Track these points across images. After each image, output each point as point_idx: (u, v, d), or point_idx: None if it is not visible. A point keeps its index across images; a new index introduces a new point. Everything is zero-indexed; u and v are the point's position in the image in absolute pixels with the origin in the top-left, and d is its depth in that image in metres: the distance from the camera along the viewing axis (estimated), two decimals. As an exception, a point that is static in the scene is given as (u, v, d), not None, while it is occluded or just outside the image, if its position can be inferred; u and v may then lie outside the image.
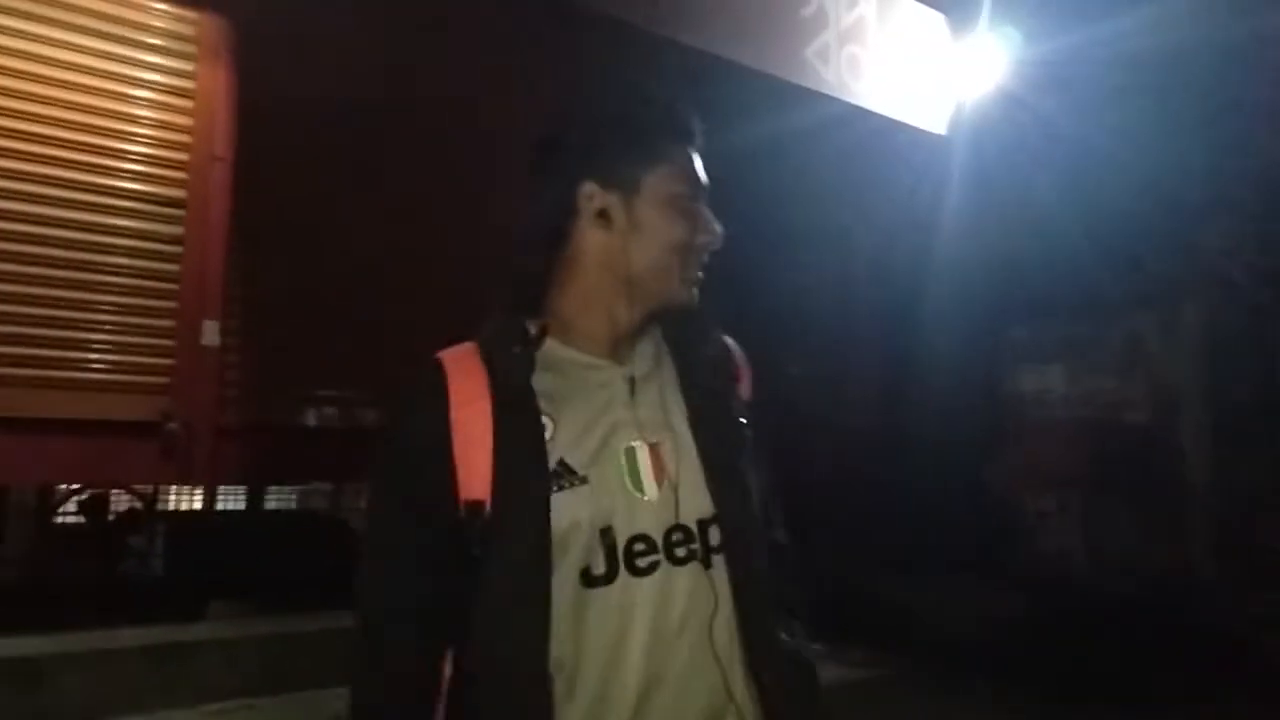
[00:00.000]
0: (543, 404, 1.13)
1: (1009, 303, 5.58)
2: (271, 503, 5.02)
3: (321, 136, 3.33)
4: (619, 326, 1.19)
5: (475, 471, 1.07)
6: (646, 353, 1.23)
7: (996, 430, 5.59)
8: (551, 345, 1.19)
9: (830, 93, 4.38)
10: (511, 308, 1.21)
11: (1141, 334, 5.38)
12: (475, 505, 1.06)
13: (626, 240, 1.15)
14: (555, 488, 1.08)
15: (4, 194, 2.84)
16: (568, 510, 1.08)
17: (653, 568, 1.10)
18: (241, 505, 4.58)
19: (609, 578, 1.09)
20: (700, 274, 1.20)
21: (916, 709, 3.97)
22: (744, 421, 1.24)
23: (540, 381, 1.14)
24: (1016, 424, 5.66)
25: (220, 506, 4.82)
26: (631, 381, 1.18)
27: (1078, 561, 4.74)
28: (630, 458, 1.13)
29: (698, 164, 1.19)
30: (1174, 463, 5.22)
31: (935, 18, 4.89)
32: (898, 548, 4.98)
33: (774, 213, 5.23)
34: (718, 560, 1.13)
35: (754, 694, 1.12)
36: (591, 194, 1.16)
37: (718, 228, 1.19)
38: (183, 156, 3.09)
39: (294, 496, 5.54)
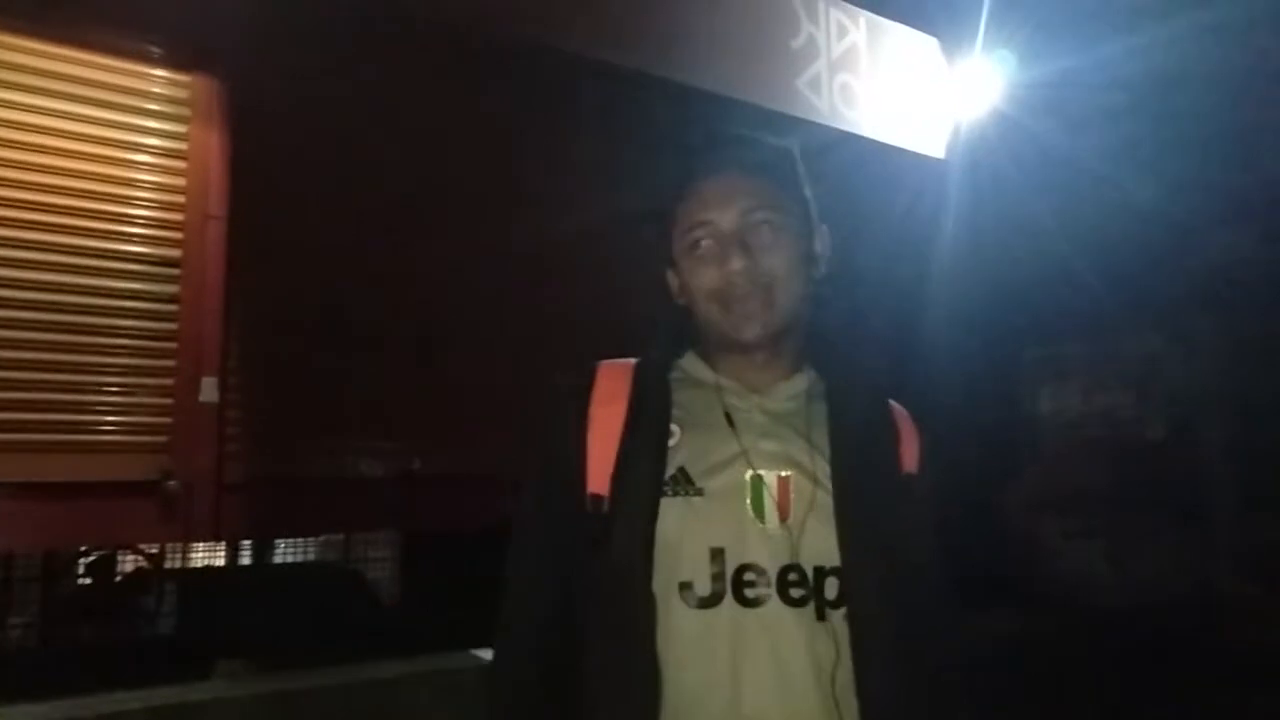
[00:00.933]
0: (677, 414, 1.18)
1: (1016, 325, 5.54)
2: (286, 555, 5.01)
3: (316, 192, 3.36)
4: (734, 361, 1.24)
5: (601, 465, 1.12)
6: (796, 390, 1.25)
7: (1009, 452, 5.52)
8: (697, 367, 1.27)
9: (823, 121, 4.38)
10: (667, 333, 1.31)
11: (1155, 351, 5.31)
12: (597, 499, 1.12)
13: (689, 303, 1.24)
14: (669, 492, 1.11)
15: (0, 261, 2.86)
16: (676, 517, 1.10)
17: (763, 600, 1.08)
18: (254, 559, 4.57)
19: (713, 600, 1.08)
20: (748, 302, 1.18)
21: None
22: (900, 484, 1.24)
23: (682, 397, 1.21)
24: (1029, 446, 5.59)
25: (236, 562, 4.81)
26: (771, 414, 1.21)
27: (1098, 582, 4.64)
28: (756, 485, 1.14)
29: (718, 202, 1.20)
30: (1193, 479, 5.13)
31: (928, 42, 4.89)
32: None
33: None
34: (834, 615, 1.10)
35: None
36: (670, 279, 1.29)
37: (734, 255, 1.18)
38: (178, 216, 3.11)
39: (307, 548, 5.54)
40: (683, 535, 1.09)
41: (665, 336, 1.30)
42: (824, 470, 1.16)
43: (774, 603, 1.09)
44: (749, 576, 1.09)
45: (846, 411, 1.22)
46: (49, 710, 2.80)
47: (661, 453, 1.13)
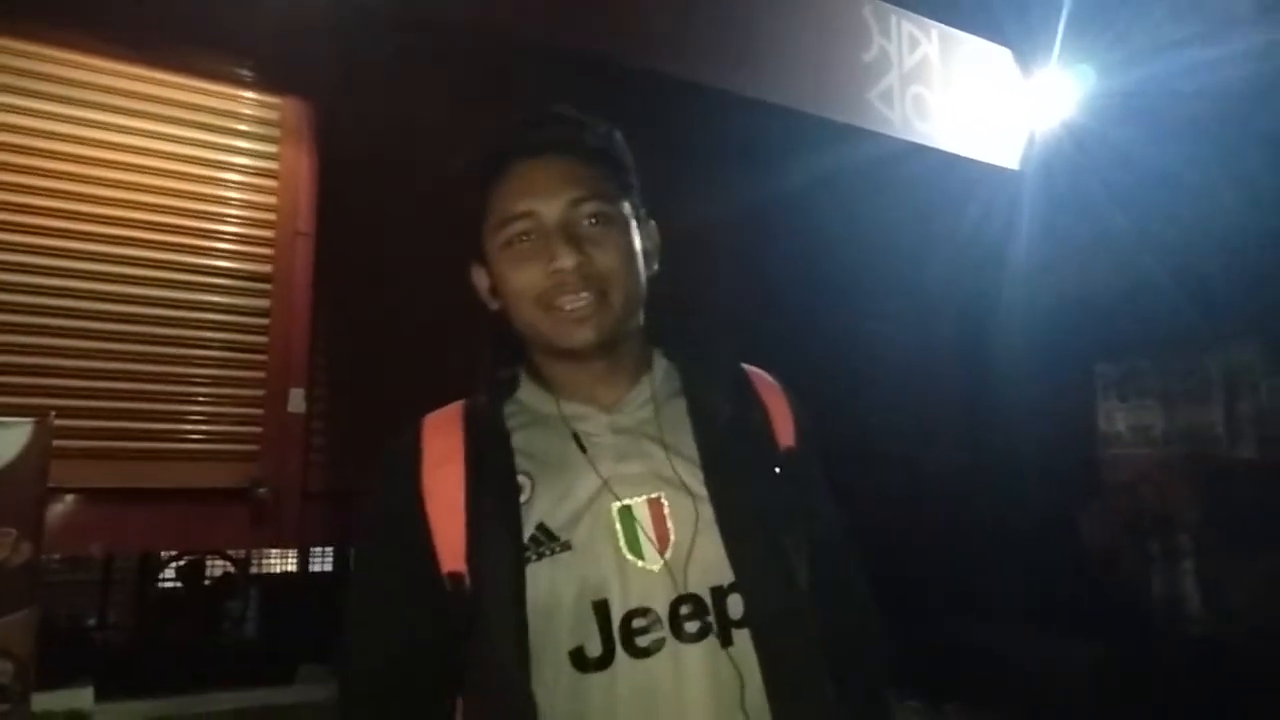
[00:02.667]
0: (521, 462, 1.03)
1: (1095, 340, 5.39)
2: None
3: (401, 210, 3.45)
4: (571, 377, 1.08)
5: (450, 540, 0.98)
6: (644, 397, 1.10)
7: (1089, 471, 5.36)
8: (535, 397, 1.11)
9: (896, 135, 4.35)
10: (492, 361, 1.14)
11: (1245, 365, 5.12)
12: (455, 578, 0.97)
13: (505, 306, 1.09)
14: (532, 556, 0.96)
15: (104, 277, 3.00)
16: (547, 581, 0.96)
17: (656, 646, 0.95)
18: (336, 565, 4.68)
19: (604, 661, 0.95)
20: (577, 303, 1.03)
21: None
22: (780, 469, 1.07)
23: (521, 438, 1.05)
24: (1110, 464, 5.42)
25: (321, 567, 4.94)
26: (625, 432, 1.06)
27: (1186, 608, 4.48)
28: (626, 518, 0.99)
29: (543, 190, 1.03)
30: (1288, 500, 4.93)
31: (1002, 53, 4.83)
32: (991, 595, 4.80)
33: (846, 258, 5.19)
34: (740, 635, 0.98)
35: None
36: (477, 277, 1.14)
37: (563, 250, 1.01)
38: (268, 234, 3.23)
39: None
40: (559, 599, 0.96)
41: (489, 366, 1.13)
42: (696, 478, 1.03)
43: (669, 645, 0.96)
44: (638, 623, 0.96)
45: (706, 407, 1.07)
46: (146, 708, 2.91)
47: (515, 518, 0.98)
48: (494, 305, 1.11)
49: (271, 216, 3.25)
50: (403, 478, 1.03)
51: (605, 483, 1.01)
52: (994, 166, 4.74)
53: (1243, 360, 5.07)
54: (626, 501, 1.00)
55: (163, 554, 4.37)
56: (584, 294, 1.01)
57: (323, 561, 4.73)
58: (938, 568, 4.91)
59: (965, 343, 5.41)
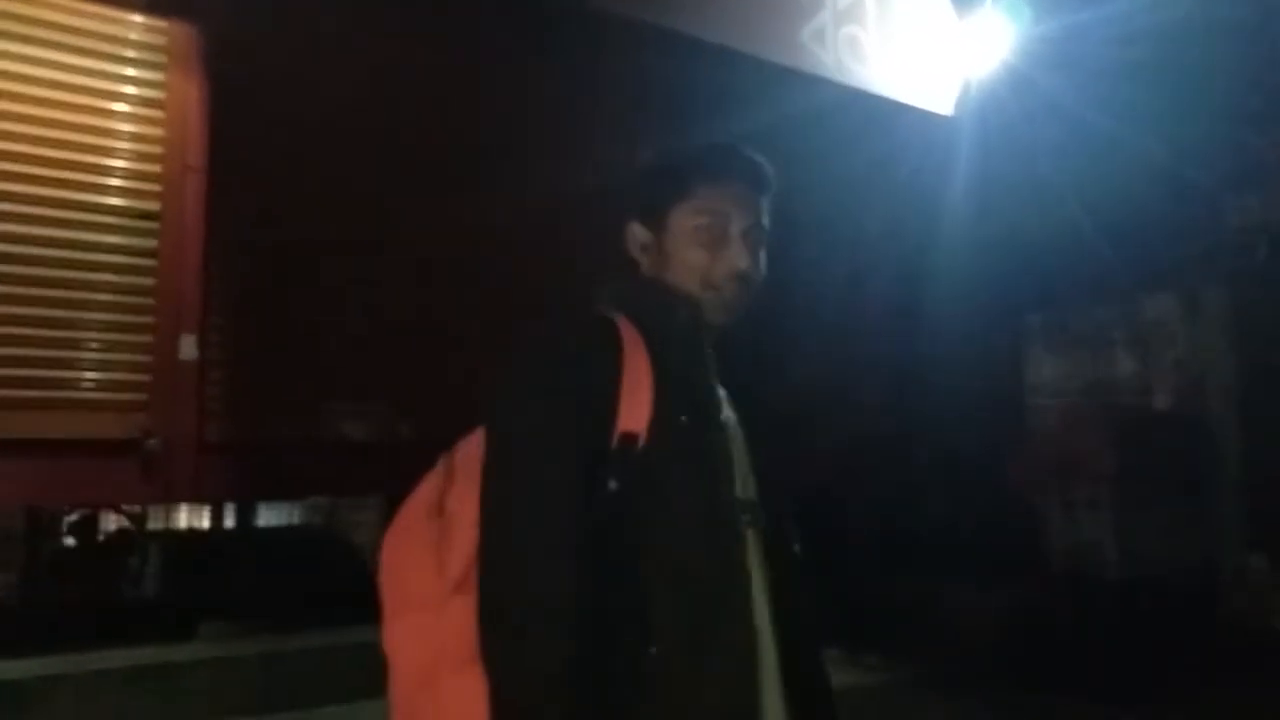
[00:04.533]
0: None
1: (1024, 288, 5.41)
2: (270, 517, 4.94)
3: (300, 144, 3.25)
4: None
5: (636, 406, 1.14)
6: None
7: (1015, 421, 5.42)
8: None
9: (829, 76, 4.24)
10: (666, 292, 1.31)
11: (1163, 316, 5.19)
12: (629, 437, 1.13)
13: (659, 271, 1.31)
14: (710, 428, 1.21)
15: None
16: (722, 447, 1.23)
17: (746, 527, 1.23)
18: (238, 520, 4.51)
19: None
20: (731, 294, 1.29)
21: (934, 712, 3.84)
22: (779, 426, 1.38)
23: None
24: (1036, 414, 5.49)
25: (220, 523, 4.76)
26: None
27: (1104, 554, 4.57)
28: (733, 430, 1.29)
29: (737, 201, 1.30)
30: (1203, 448, 5.04)
31: (938, -4, 4.72)
32: (913, 546, 4.84)
33: (776, 207, 5.09)
34: (755, 535, 1.24)
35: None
36: (634, 231, 1.35)
37: (743, 253, 1.28)
38: (155, 168, 3.01)
39: (297, 512, 5.48)
40: (730, 460, 1.23)
41: (669, 296, 1.30)
42: (736, 417, 1.31)
43: (748, 530, 1.24)
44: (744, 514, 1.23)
45: (733, 365, 1.35)
46: (36, 666, 2.77)
47: (714, 391, 1.24)
48: (643, 258, 1.34)
49: (158, 150, 3.03)
50: (607, 352, 1.18)
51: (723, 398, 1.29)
52: (928, 113, 4.66)
53: (1162, 311, 5.14)
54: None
55: (58, 509, 4.17)
56: (739, 288, 1.29)
57: (227, 516, 4.55)
58: (864, 518, 4.94)
59: (897, 292, 5.38)
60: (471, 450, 1.21)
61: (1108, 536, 4.49)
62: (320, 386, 3.29)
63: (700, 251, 1.28)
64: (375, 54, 3.42)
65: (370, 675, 2.89)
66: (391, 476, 3.50)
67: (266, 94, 3.19)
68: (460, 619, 1.10)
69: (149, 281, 2.97)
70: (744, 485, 1.24)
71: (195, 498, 3.13)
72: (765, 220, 1.34)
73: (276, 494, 3.48)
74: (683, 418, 1.17)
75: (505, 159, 3.78)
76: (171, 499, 2.96)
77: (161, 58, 3.07)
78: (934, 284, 5.26)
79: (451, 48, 3.65)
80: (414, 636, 1.15)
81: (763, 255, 1.33)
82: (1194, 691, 3.90)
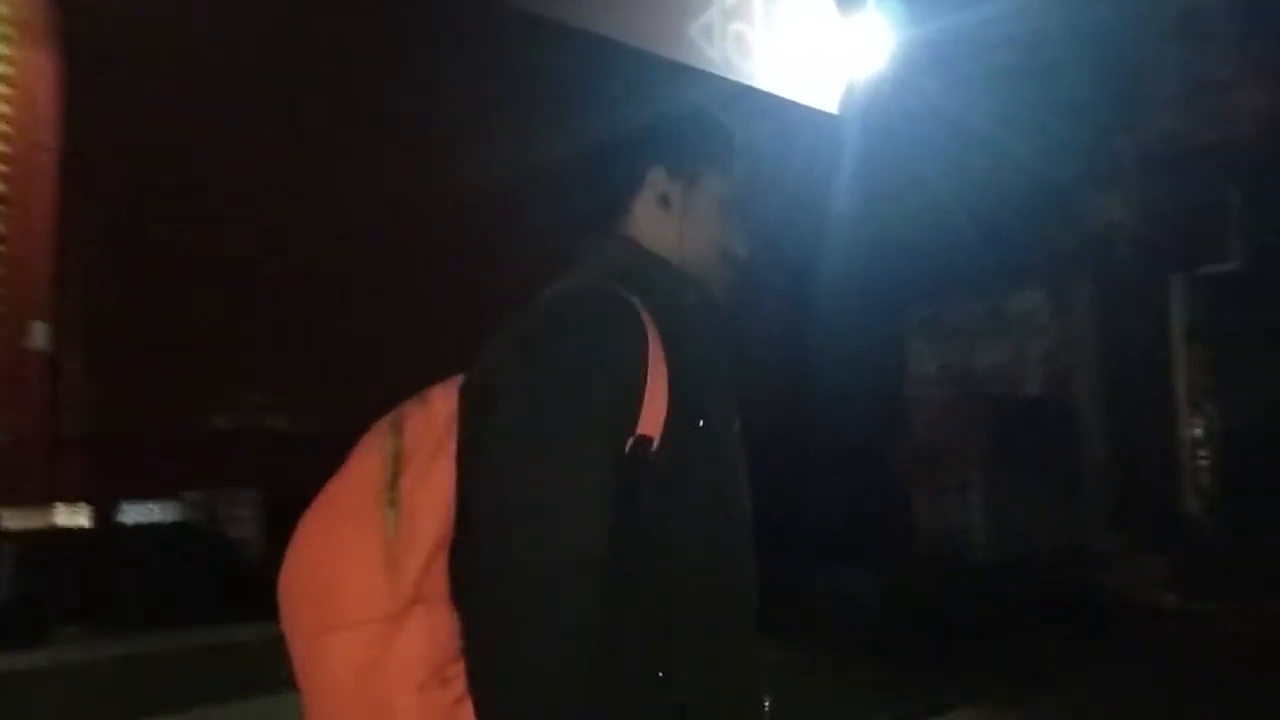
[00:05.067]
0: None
1: (906, 282, 5.61)
2: (140, 515, 4.64)
3: (164, 120, 3.10)
4: None
5: (655, 407, 1.02)
6: None
7: (896, 410, 5.62)
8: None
9: (716, 71, 4.29)
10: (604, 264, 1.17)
11: (1033, 310, 5.46)
12: (645, 441, 1.01)
13: (681, 226, 1.20)
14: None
15: None
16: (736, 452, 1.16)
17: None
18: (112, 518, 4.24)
19: None
20: (733, 280, 1.25)
21: (809, 692, 3.94)
22: None
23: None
24: (915, 403, 5.70)
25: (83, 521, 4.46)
26: None
27: (975, 536, 4.78)
28: None
29: (739, 182, 1.26)
30: (1068, 435, 5.32)
31: (824, -3, 4.84)
32: (796, 531, 4.96)
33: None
34: None
35: None
36: (658, 178, 1.20)
37: (746, 246, 1.24)
38: (2, 147, 2.83)
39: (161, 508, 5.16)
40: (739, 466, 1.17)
41: (671, 272, 1.20)
42: None
43: None
44: None
45: None
46: None
47: (731, 391, 1.15)
48: (656, 207, 1.21)
49: (6, 128, 2.84)
50: (639, 342, 1.04)
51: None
52: (813, 110, 4.77)
53: (1032, 305, 5.40)
54: None
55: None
56: (736, 272, 1.24)
57: (84, 513, 4.26)
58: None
59: (785, 285, 5.50)
60: (433, 427, 1.05)
61: (977, 520, 4.70)
62: (189, 377, 3.14)
63: (724, 227, 1.22)
64: (247, 23, 3.27)
65: (239, 676, 2.80)
66: (268, 469, 3.43)
67: (127, 66, 3.02)
68: (421, 633, 0.97)
69: (-6, 266, 2.79)
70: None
71: (50, 496, 2.95)
72: None
73: (140, 493, 3.31)
74: (700, 421, 1.06)
75: (387, 140, 3.69)
76: (22, 502, 2.78)
77: (9, 30, 2.88)
78: (820, 278, 5.40)
79: (329, 19, 3.54)
80: (355, 654, 0.97)
81: None
82: (1061, 665, 4.12)
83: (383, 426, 1.08)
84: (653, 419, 1.01)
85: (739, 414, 1.17)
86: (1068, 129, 5.08)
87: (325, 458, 1.14)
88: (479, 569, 0.97)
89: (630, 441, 1.00)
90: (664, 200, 1.20)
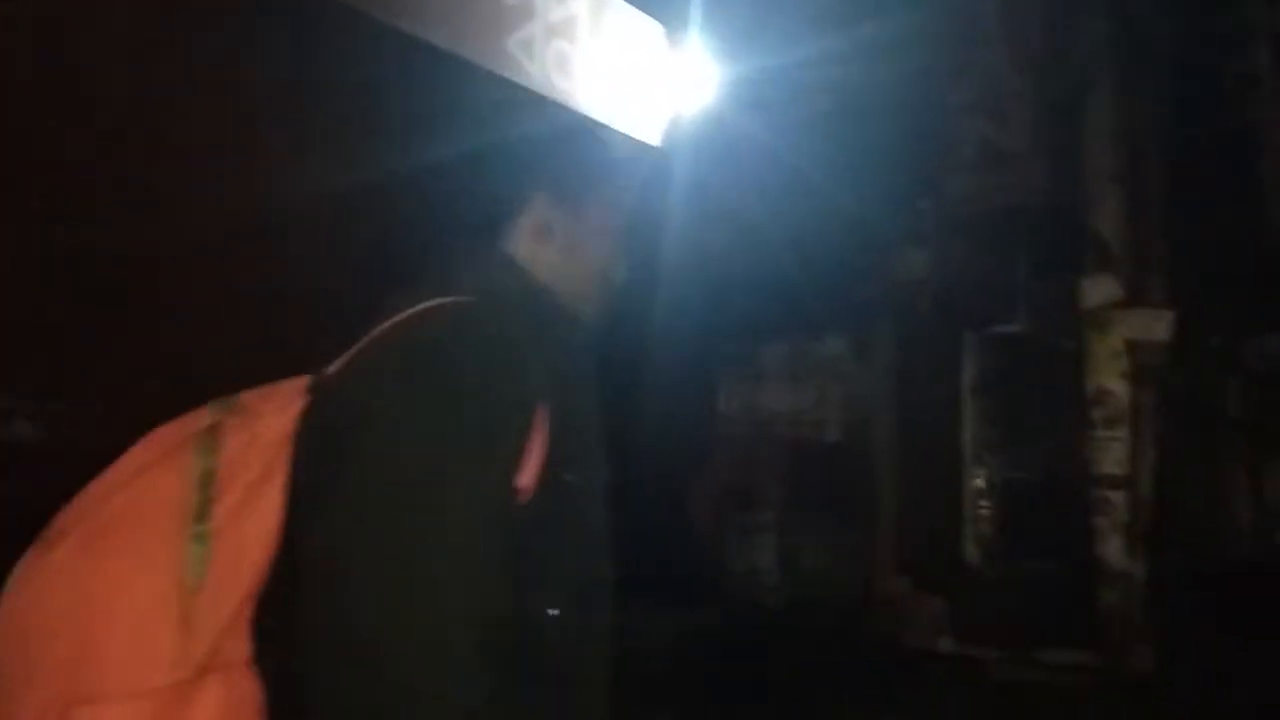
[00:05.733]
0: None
1: (718, 320, 5.63)
2: None
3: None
4: None
5: (533, 455, 0.88)
6: None
7: (704, 448, 5.61)
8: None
9: (534, 88, 4.11)
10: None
11: (837, 355, 5.60)
12: (520, 492, 0.87)
13: (560, 256, 1.10)
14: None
15: None
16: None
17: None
18: None
19: None
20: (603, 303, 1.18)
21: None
22: None
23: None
24: (722, 441, 5.72)
25: None
26: None
27: (769, 579, 4.79)
28: None
29: (627, 204, 1.23)
30: (864, 479, 5.46)
31: (652, 25, 4.78)
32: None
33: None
34: None
35: None
36: (540, 205, 1.10)
37: (623, 267, 1.20)
38: None
39: None
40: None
41: (544, 296, 1.08)
42: None
43: None
44: None
45: None
46: None
47: (601, 441, 1.04)
48: (535, 238, 1.09)
49: None
50: (535, 380, 0.90)
51: None
52: (636, 141, 4.68)
53: (836, 350, 5.54)
54: None
55: None
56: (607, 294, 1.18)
57: None
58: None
59: (598, 324, 5.38)
60: (260, 446, 0.85)
61: (773, 562, 4.71)
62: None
63: (609, 252, 1.16)
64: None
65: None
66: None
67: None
68: (215, 710, 0.77)
69: None
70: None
71: None
72: None
73: None
74: (568, 475, 0.92)
75: (187, 140, 3.34)
76: None
77: None
78: (635, 313, 5.32)
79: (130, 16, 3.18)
80: None
81: None
82: (839, 706, 4.15)
83: (178, 439, 0.87)
84: (529, 470, 0.87)
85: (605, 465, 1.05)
86: (881, 182, 5.27)
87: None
88: (332, 635, 0.76)
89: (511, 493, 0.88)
90: (547, 229, 1.10)
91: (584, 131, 1.29)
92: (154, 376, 2.87)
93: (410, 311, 0.92)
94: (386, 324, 0.92)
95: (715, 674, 4.08)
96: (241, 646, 0.81)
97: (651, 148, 4.81)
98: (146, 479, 0.85)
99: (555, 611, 0.91)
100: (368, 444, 0.83)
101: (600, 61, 4.43)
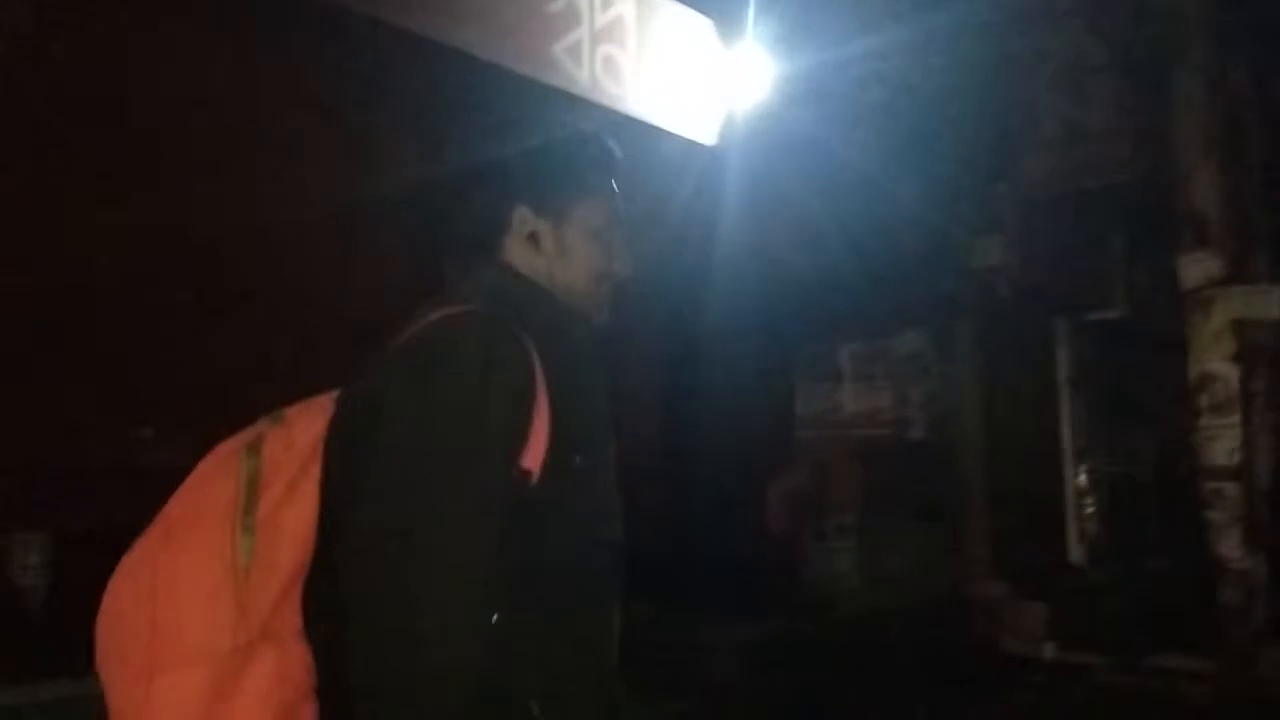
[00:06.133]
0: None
1: (791, 321, 5.47)
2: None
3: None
4: None
5: (537, 441, 1.02)
6: None
7: (780, 451, 5.44)
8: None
9: (583, 94, 4.10)
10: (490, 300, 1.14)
11: (917, 351, 5.36)
12: (524, 475, 1.01)
13: (552, 264, 1.21)
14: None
15: None
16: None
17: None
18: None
19: None
20: (608, 302, 1.26)
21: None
22: None
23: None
24: (799, 444, 5.53)
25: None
26: None
27: (851, 584, 4.60)
28: None
29: (618, 199, 1.27)
30: (951, 479, 5.20)
31: (702, 23, 4.71)
32: (677, 582, 4.71)
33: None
34: None
35: None
36: (524, 218, 1.21)
37: (628, 264, 1.27)
38: None
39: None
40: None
41: (557, 306, 1.22)
42: None
43: None
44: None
45: None
46: None
47: (608, 423, 1.15)
48: (525, 247, 1.21)
49: None
50: (529, 380, 1.03)
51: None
52: (689, 141, 4.62)
53: (915, 346, 5.31)
54: None
55: None
56: (612, 292, 1.26)
57: None
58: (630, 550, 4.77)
59: (666, 326, 5.30)
60: (295, 449, 1.02)
61: (852, 567, 4.52)
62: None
63: (602, 254, 1.24)
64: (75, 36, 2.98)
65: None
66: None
67: None
68: (270, 671, 0.93)
69: None
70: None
71: None
72: None
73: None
74: (577, 458, 1.06)
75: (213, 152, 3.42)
76: None
77: None
78: (703, 314, 5.22)
79: (163, 29, 3.28)
80: (195, 694, 0.91)
81: None
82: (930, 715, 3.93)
83: (231, 448, 1.04)
84: (534, 453, 1.00)
85: (615, 449, 1.16)
86: (952, 170, 5.05)
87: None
88: (356, 598, 0.93)
89: (514, 476, 0.99)
90: (534, 239, 1.21)
91: (560, 137, 1.27)
92: (218, 399, 2.96)
93: (423, 322, 1.07)
94: (403, 335, 1.07)
95: (790, 685, 3.91)
96: (292, 620, 0.97)
97: (700, 145, 4.74)
98: (206, 483, 1.02)
99: (567, 564, 1.04)
100: (378, 432, 0.98)
101: (649, 63, 4.40)
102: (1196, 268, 4.32)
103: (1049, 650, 4.68)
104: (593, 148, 1.27)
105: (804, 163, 4.97)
